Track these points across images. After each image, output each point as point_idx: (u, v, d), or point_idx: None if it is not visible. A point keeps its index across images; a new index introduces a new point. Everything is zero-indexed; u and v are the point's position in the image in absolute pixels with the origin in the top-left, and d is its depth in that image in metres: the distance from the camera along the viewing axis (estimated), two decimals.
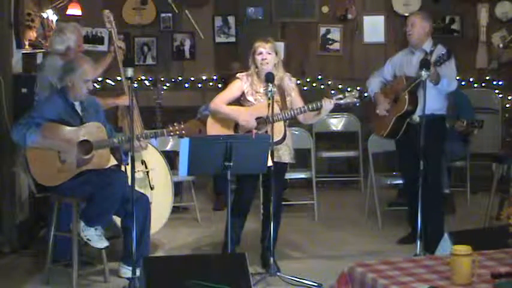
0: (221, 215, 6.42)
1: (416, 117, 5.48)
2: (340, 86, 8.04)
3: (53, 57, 5.46)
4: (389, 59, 5.93)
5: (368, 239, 5.97)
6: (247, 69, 5.29)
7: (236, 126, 5.20)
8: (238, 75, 5.29)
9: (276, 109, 5.04)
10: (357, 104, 5.20)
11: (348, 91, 5.32)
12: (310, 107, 5.09)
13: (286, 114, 5.09)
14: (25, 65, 6.06)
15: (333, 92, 5.35)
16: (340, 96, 5.11)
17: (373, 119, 5.86)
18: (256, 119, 5.13)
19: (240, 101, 5.24)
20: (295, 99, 5.25)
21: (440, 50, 5.48)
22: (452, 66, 5.50)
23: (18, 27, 5.92)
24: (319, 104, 5.06)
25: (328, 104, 5.04)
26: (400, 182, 6.40)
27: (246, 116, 5.13)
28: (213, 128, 5.20)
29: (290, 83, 5.29)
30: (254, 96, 5.19)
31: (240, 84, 5.22)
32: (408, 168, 5.71)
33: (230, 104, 5.22)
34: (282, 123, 5.09)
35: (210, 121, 5.24)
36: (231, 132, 5.15)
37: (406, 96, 5.47)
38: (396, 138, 5.71)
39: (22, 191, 5.83)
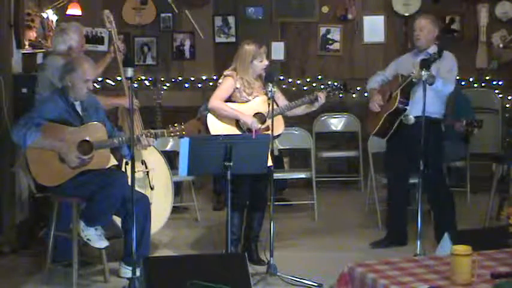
0: (221, 215, 6.42)
1: (411, 117, 5.50)
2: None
3: (55, 57, 5.46)
4: (395, 59, 5.95)
5: (368, 239, 5.96)
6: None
7: (237, 122, 5.27)
8: (228, 72, 5.33)
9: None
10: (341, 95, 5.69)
11: (333, 85, 5.55)
12: (308, 98, 5.35)
13: (286, 108, 5.32)
14: (25, 65, 6.06)
15: (322, 86, 5.74)
16: (329, 89, 5.46)
17: (368, 117, 5.89)
18: (255, 114, 5.26)
19: (231, 97, 5.30)
20: (277, 95, 5.33)
21: (449, 53, 5.50)
22: (448, 68, 5.49)
23: (18, 27, 5.92)
24: (314, 96, 5.34)
25: (323, 97, 5.33)
26: None
27: (247, 113, 5.26)
28: (215, 126, 5.26)
29: None
30: (248, 94, 5.29)
31: (232, 82, 5.28)
32: (398, 170, 5.74)
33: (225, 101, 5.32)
34: (280, 117, 5.32)
35: (210, 119, 5.28)
36: (233, 129, 5.25)
37: (398, 95, 5.50)
38: (386, 137, 5.74)
39: (22, 191, 5.83)
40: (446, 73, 5.47)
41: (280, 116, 5.32)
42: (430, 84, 5.33)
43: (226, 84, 5.30)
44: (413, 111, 5.48)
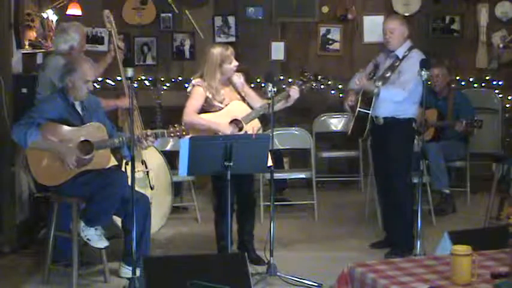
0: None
1: (380, 118, 5.51)
2: (340, 86, 8.03)
3: (56, 57, 5.46)
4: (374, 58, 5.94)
5: (368, 239, 5.96)
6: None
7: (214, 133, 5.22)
8: (196, 82, 5.25)
9: (247, 109, 5.25)
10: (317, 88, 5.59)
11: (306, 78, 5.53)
12: (280, 97, 5.30)
13: (261, 109, 5.24)
14: (25, 65, 6.07)
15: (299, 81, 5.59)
16: (301, 82, 5.43)
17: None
18: (232, 121, 5.20)
19: (203, 107, 5.24)
20: (248, 93, 5.38)
21: (415, 55, 5.45)
22: (408, 70, 5.39)
23: (18, 27, 5.92)
24: (286, 93, 5.32)
25: (295, 92, 5.30)
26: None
27: (222, 121, 5.18)
28: None
29: (238, 79, 5.39)
30: (219, 101, 5.23)
31: (202, 91, 5.22)
32: (379, 171, 5.75)
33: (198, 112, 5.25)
34: (257, 119, 5.27)
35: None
36: None
37: (360, 98, 5.51)
38: (362, 137, 5.80)
39: (22, 191, 5.83)
40: (402, 77, 5.42)
41: (256, 119, 5.26)
42: (378, 95, 5.40)
43: (196, 94, 5.22)
44: (379, 113, 5.50)
